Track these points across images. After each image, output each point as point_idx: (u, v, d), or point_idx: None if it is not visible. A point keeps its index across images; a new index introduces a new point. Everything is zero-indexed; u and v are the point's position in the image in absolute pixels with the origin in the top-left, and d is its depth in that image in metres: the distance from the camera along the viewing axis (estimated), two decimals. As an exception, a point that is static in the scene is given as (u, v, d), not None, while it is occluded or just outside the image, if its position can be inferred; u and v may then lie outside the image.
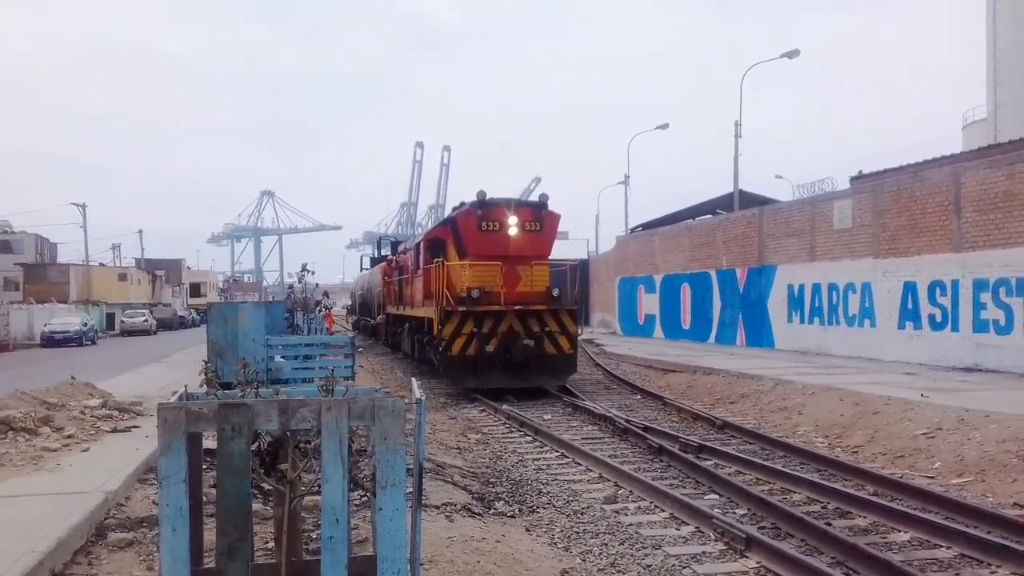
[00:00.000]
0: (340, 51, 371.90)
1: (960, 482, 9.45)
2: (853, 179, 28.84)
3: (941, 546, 7.16)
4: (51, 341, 43.06)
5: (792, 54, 33.81)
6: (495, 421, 15.23)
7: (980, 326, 17.37)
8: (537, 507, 8.93)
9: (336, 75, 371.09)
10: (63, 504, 7.26)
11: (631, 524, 8.17)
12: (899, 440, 11.41)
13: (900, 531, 7.64)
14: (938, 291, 18.54)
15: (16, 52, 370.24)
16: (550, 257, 19.93)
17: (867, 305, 20.87)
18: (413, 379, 5.54)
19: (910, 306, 19.37)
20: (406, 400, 4.34)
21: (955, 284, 18.03)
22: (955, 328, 18.02)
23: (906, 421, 11.94)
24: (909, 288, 19.40)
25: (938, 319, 18.51)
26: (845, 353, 21.37)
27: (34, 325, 47.71)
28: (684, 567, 6.86)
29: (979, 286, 17.40)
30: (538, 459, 11.62)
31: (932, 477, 9.84)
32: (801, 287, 23.72)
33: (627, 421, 13.57)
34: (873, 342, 20.52)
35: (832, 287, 22.31)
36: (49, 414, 11.56)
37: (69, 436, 10.83)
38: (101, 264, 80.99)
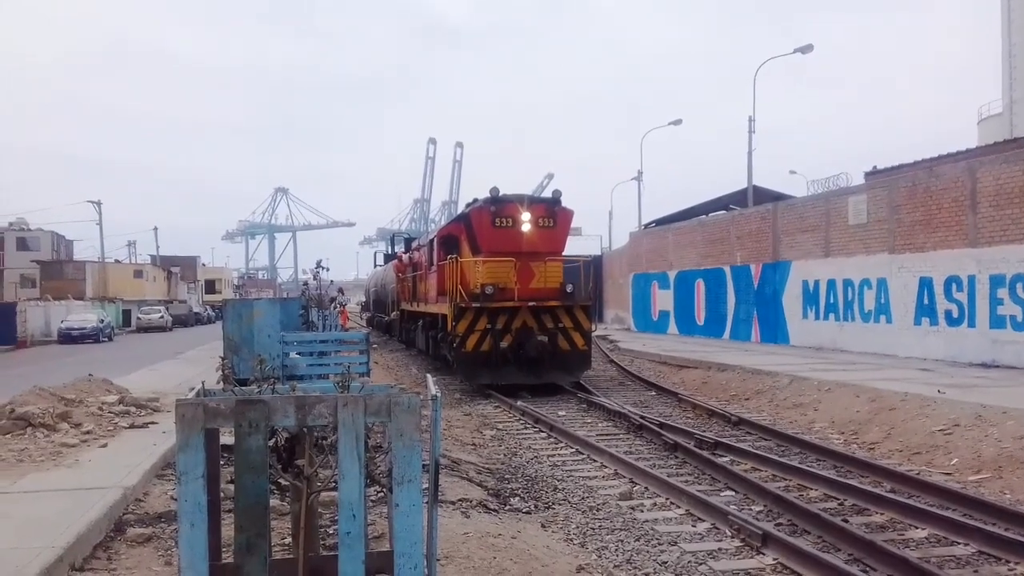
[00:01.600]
0: (353, 49, 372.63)
1: (978, 479, 9.40)
2: (868, 174, 28.71)
3: (959, 543, 7.13)
4: (68, 337, 43.36)
5: (805, 49, 33.67)
6: (510, 417, 15.23)
7: (997, 322, 17.25)
8: (552, 503, 8.93)
9: (350, 73, 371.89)
10: (82, 499, 7.32)
11: (647, 520, 8.17)
12: (916, 436, 11.35)
13: (917, 528, 7.60)
14: (954, 287, 18.43)
15: (30, 52, 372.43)
16: (564, 253, 19.90)
17: (882, 301, 20.76)
18: (428, 375, 5.55)
19: (926, 302, 19.25)
20: (421, 396, 4.35)
21: (971, 279, 17.91)
22: (972, 324, 17.90)
23: (923, 417, 11.88)
24: (925, 284, 19.29)
25: (954, 315, 18.40)
26: (861, 349, 21.26)
27: (51, 322, 48.03)
28: (700, 563, 6.85)
29: (996, 281, 17.28)
30: (553, 455, 11.62)
31: (949, 474, 9.79)
32: (816, 283, 23.62)
33: (642, 417, 13.55)
34: (889, 338, 20.41)
35: (847, 283, 22.20)
36: (67, 410, 11.64)
37: (87, 432, 10.91)
38: (117, 261, 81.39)
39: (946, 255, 18.71)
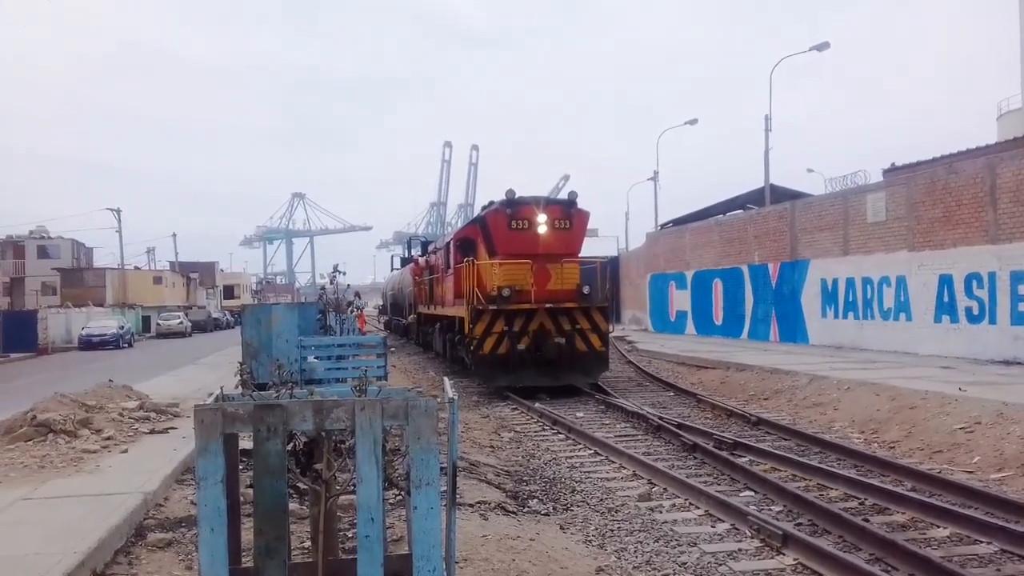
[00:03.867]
0: (369, 52, 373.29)
1: (1000, 477, 9.32)
2: (886, 171, 28.61)
3: (982, 542, 7.06)
4: (89, 344, 43.74)
5: (822, 47, 33.52)
6: (527, 419, 15.22)
7: (1018, 318, 17.09)
8: (571, 505, 8.92)
9: (365, 76, 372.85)
10: (103, 505, 7.37)
11: (666, 521, 8.14)
12: (937, 435, 11.27)
13: (939, 527, 7.54)
14: (975, 283, 18.29)
15: (44, 58, 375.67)
16: (580, 254, 19.88)
17: (902, 299, 20.62)
18: (445, 378, 5.55)
19: (946, 299, 19.12)
20: (439, 399, 4.35)
21: (992, 276, 17.77)
22: (992, 321, 17.76)
23: (944, 415, 11.79)
24: (945, 281, 19.15)
25: (975, 312, 18.25)
26: (881, 347, 21.12)
27: (72, 328, 48.47)
28: (720, 564, 6.82)
29: (1017, 278, 17.12)
30: (571, 457, 11.60)
31: (971, 472, 9.71)
32: (835, 281, 23.49)
33: (660, 418, 13.51)
34: (909, 336, 20.27)
35: (866, 281, 22.06)
36: (88, 416, 11.72)
37: (108, 438, 10.98)
38: (136, 268, 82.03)
39: (966, 252, 18.57)
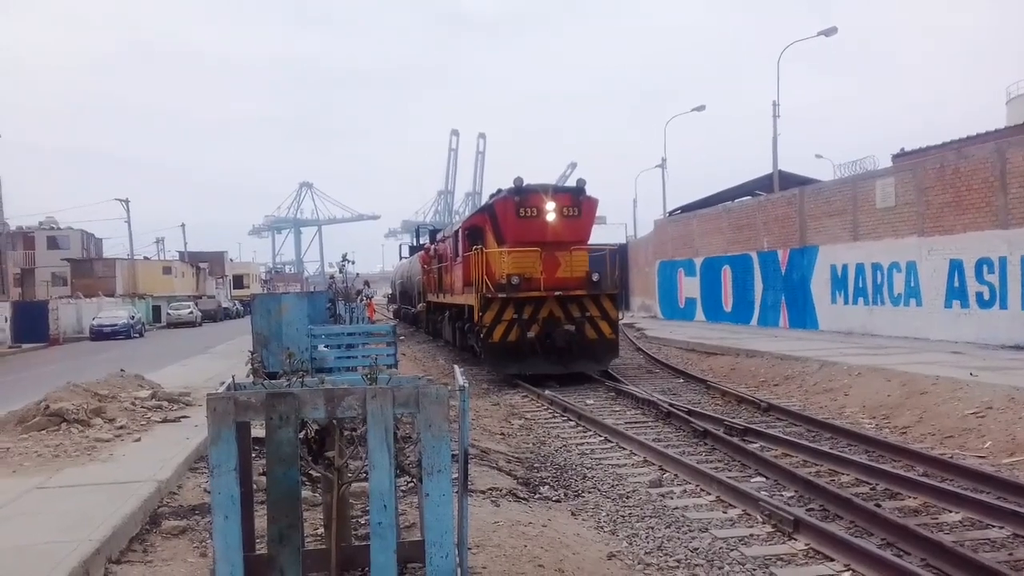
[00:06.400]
0: (375, 42, 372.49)
1: (1012, 461, 9.30)
2: (895, 157, 28.48)
3: (993, 526, 7.06)
4: (100, 334, 43.94)
5: (829, 32, 33.26)
6: (538, 407, 15.24)
7: (1030, 303, 17.00)
8: (582, 491, 8.94)
9: (371, 66, 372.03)
10: (117, 493, 7.41)
11: (677, 507, 8.15)
12: (948, 420, 11.24)
13: (951, 512, 7.54)
14: (985, 268, 18.20)
15: (54, 51, 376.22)
16: (589, 242, 19.85)
17: (912, 284, 20.55)
18: (456, 366, 5.57)
19: (956, 284, 19.03)
20: (449, 387, 4.37)
21: (1003, 261, 17.67)
22: (1003, 305, 17.68)
23: (955, 401, 11.76)
24: (955, 266, 19.06)
25: (986, 297, 18.17)
26: (891, 333, 21.06)
27: (83, 319, 48.68)
28: (732, 549, 6.83)
29: (1028, 262, 17.03)
30: (582, 444, 11.62)
31: (983, 457, 9.69)
32: (844, 267, 23.41)
33: (671, 405, 13.51)
34: (919, 321, 20.20)
35: (876, 267, 21.98)
36: (101, 405, 11.77)
37: (121, 427, 11.04)
38: (146, 258, 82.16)
39: (976, 237, 18.47)
